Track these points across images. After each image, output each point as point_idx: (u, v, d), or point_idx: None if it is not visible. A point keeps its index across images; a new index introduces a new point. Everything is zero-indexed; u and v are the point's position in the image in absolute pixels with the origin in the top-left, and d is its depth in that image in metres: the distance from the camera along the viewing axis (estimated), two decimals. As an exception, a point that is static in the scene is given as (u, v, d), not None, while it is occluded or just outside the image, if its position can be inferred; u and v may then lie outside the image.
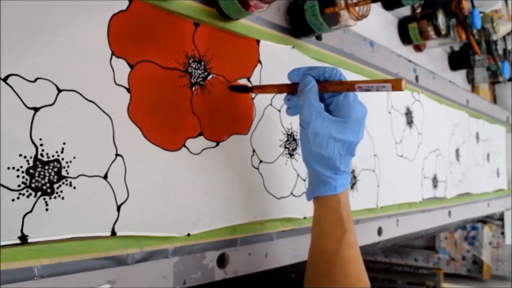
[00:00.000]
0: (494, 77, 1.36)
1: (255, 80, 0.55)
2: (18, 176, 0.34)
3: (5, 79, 0.33)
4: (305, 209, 0.61)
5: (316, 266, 0.46)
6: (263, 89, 0.51)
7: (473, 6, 1.20)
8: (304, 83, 0.45)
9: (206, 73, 0.49)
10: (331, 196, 0.46)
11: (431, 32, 0.93)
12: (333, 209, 0.46)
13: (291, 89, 0.48)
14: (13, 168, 0.34)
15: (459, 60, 1.25)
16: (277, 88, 0.49)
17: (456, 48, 1.27)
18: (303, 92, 0.45)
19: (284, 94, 0.49)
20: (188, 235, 0.46)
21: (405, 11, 0.97)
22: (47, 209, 0.35)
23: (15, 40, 0.34)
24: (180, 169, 0.46)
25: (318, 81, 0.45)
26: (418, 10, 1.01)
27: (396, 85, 0.39)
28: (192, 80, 0.47)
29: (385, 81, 0.39)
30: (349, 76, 0.72)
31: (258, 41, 0.55)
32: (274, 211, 0.57)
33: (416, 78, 0.95)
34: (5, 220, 0.33)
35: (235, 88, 0.52)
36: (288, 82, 0.48)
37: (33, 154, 0.35)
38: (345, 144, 0.45)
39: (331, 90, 0.44)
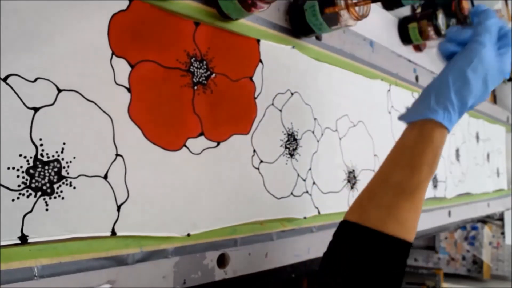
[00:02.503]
0: (494, 77, 1.36)
1: (257, 79, 0.55)
2: (18, 176, 0.34)
3: (5, 79, 0.33)
4: (305, 209, 0.61)
5: (381, 198, 0.43)
6: None
7: (473, 6, 1.20)
8: (488, 15, 0.46)
9: (208, 72, 0.49)
10: (441, 131, 0.43)
11: (431, 32, 0.93)
12: (435, 145, 0.43)
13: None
14: (13, 168, 0.33)
15: (459, 60, 1.24)
16: None
17: (456, 48, 1.27)
18: (486, 20, 0.46)
19: None
20: (188, 235, 0.46)
21: (405, 11, 0.97)
22: (47, 209, 0.35)
23: (15, 40, 0.34)
24: (180, 169, 0.46)
25: None
26: (418, 10, 1.01)
27: None
28: (194, 79, 0.47)
29: None
30: (349, 76, 0.72)
31: (258, 41, 0.55)
32: (274, 211, 0.57)
33: (416, 78, 0.95)
34: (5, 220, 0.33)
35: None
36: None
37: (33, 154, 0.35)
38: (487, 90, 0.45)
39: None
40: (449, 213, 1.09)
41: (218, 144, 0.50)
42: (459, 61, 0.45)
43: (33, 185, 0.35)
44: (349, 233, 0.43)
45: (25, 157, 0.34)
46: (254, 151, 0.54)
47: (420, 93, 0.47)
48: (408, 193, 0.42)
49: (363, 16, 0.56)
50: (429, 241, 2.09)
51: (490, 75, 0.45)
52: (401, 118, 0.47)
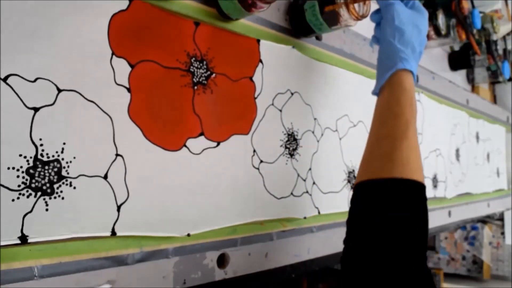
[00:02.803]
0: (494, 77, 1.36)
1: (257, 79, 0.55)
2: (18, 176, 0.34)
3: (5, 79, 0.33)
4: (305, 209, 0.61)
5: (378, 151, 0.46)
6: None
7: (473, 6, 1.20)
8: None
9: (208, 72, 0.49)
10: (407, 76, 0.49)
11: (431, 32, 0.93)
12: (406, 89, 0.48)
13: None
14: (13, 168, 0.33)
15: (459, 60, 1.25)
16: None
17: (456, 48, 1.27)
18: None
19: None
20: (188, 235, 0.46)
21: (405, 11, 0.97)
22: (47, 209, 0.35)
23: (15, 40, 0.34)
24: (180, 169, 0.46)
25: None
26: (418, 10, 1.00)
27: None
28: (194, 79, 0.47)
29: None
30: (349, 76, 0.72)
31: (258, 41, 0.55)
32: (274, 211, 0.57)
33: (416, 78, 0.95)
34: (5, 220, 0.33)
35: None
36: None
37: (33, 154, 0.35)
38: (421, 34, 0.53)
39: None
40: (449, 213, 1.09)
41: (218, 144, 0.50)
42: (386, 22, 0.53)
43: (33, 185, 0.35)
44: (361, 193, 0.45)
45: (25, 157, 0.34)
46: (254, 151, 0.54)
47: (377, 68, 0.54)
48: (401, 135, 0.45)
49: (363, 16, 0.56)
50: (429, 241, 2.09)
51: (416, 21, 0.53)
52: (373, 92, 0.53)
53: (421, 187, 0.43)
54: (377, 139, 0.47)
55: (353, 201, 0.45)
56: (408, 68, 0.50)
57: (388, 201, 0.42)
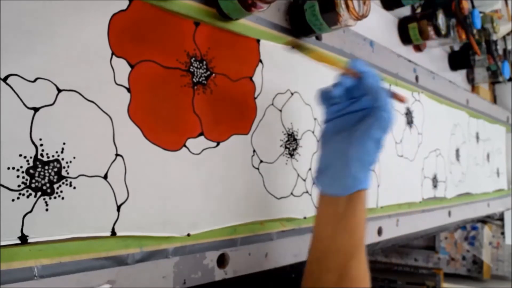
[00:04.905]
0: (494, 77, 1.36)
1: (257, 79, 0.55)
2: (18, 176, 0.34)
3: (5, 79, 0.33)
4: (305, 209, 0.61)
5: (328, 261, 0.45)
6: (324, 60, 0.50)
7: (473, 6, 1.20)
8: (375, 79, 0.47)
9: (208, 72, 0.49)
10: (366, 191, 0.46)
11: (431, 32, 0.93)
12: (364, 205, 0.46)
13: (353, 74, 0.47)
14: (13, 168, 0.33)
15: (459, 60, 1.24)
16: (340, 67, 0.48)
17: (456, 48, 1.27)
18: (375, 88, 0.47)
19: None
20: (188, 235, 0.46)
21: (405, 11, 0.97)
22: (47, 209, 0.35)
23: (15, 40, 0.34)
24: (180, 169, 0.46)
25: None
26: (418, 10, 1.01)
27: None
28: (194, 79, 0.47)
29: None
30: (349, 76, 0.72)
31: (258, 41, 0.55)
32: (274, 211, 0.57)
33: (416, 78, 0.95)
34: (5, 220, 0.33)
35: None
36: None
37: (33, 154, 0.35)
38: (345, 157, 0.45)
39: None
40: (449, 213, 1.09)
41: (218, 144, 0.50)
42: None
43: (33, 185, 0.35)
44: None
45: (25, 157, 0.34)
46: (254, 151, 0.54)
47: (328, 163, 0.47)
48: (354, 252, 0.45)
49: (363, 16, 0.56)
50: (429, 241, 2.09)
51: (340, 148, 0.46)
52: (324, 190, 0.47)
53: None
54: (328, 248, 0.45)
55: None
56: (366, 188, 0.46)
57: None
